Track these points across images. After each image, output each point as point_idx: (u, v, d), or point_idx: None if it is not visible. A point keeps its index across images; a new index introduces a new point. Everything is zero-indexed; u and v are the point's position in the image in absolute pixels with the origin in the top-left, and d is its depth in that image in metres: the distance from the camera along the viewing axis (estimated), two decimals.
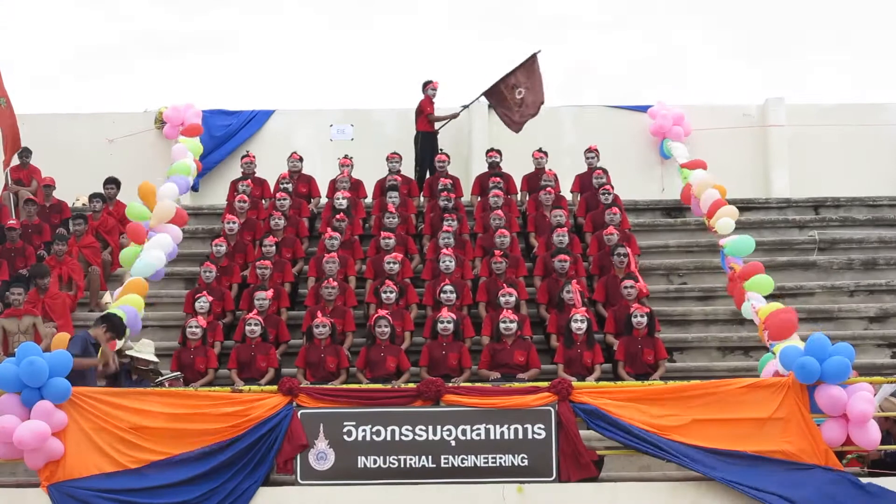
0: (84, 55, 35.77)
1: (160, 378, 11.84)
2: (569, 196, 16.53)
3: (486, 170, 16.81)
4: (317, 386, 11.20)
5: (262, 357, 12.80)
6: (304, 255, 15.30)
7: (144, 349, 12.02)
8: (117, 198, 16.52)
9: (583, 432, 10.57)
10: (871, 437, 10.29)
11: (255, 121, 19.18)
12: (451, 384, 10.98)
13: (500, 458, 10.42)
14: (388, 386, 11.26)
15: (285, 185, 16.15)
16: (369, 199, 16.71)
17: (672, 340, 14.11)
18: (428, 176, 17.01)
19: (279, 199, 15.72)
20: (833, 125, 18.77)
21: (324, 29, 34.98)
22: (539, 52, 17.38)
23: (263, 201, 16.40)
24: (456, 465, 10.42)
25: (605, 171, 16.22)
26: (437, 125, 17.50)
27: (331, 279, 13.66)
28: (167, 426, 10.44)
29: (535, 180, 16.43)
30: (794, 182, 18.66)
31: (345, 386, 11.67)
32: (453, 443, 10.45)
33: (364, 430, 10.46)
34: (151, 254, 14.00)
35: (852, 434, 10.32)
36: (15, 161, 16.94)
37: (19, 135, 16.77)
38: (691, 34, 34.64)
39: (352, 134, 19.10)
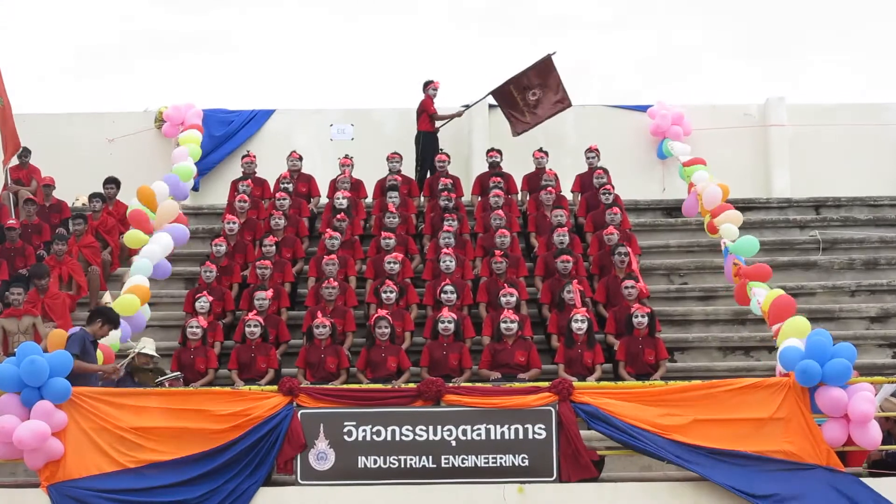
0: (84, 55, 35.80)
1: (160, 378, 11.82)
2: (569, 196, 16.51)
3: (487, 169, 16.80)
4: (317, 386, 11.19)
5: (263, 357, 12.78)
6: (304, 255, 15.28)
7: (147, 346, 12.03)
8: (117, 197, 16.50)
9: (583, 432, 10.56)
10: (872, 437, 10.27)
11: (255, 120, 19.16)
12: (451, 384, 10.97)
13: (501, 458, 10.42)
14: (389, 386, 11.25)
15: (286, 185, 16.13)
16: (370, 199, 16.69)
17: (673, 340, 14.10)
18: (428, 176, 17.00)
19: (279, 199, 15.70)
20: (834, 125, 18.75)
21: (324, 28, 34.99)
22: (554, 53, 17.36)
23: (264, 201, 16.39)
24: (456, 465, 10.41)
25: (605, 171, 16.21)
26: (438, 124, 17.49)
27: (331, 279, 13.65)
28: (167, 426, 10.44)
29: (535, 180, 16.41)
30: (794, 182, 18.64)
31: (345, 386, 11.66)
32: (454, 443, 10.44)
33: (364, 431, 10.45)
34: (154, 251, 14.04)
35: (853, 434, 10.31)
36: (14, 161, 16.92)
37: (17, 135, 16.74)
38: (692, 34, 34.65)
39: (352, 134, 19.08)
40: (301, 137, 18.81)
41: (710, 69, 34.87)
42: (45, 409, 10.14)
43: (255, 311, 13.15)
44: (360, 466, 10.41)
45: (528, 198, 16.27)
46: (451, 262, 13.86)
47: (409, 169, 17.17)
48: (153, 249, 14.07)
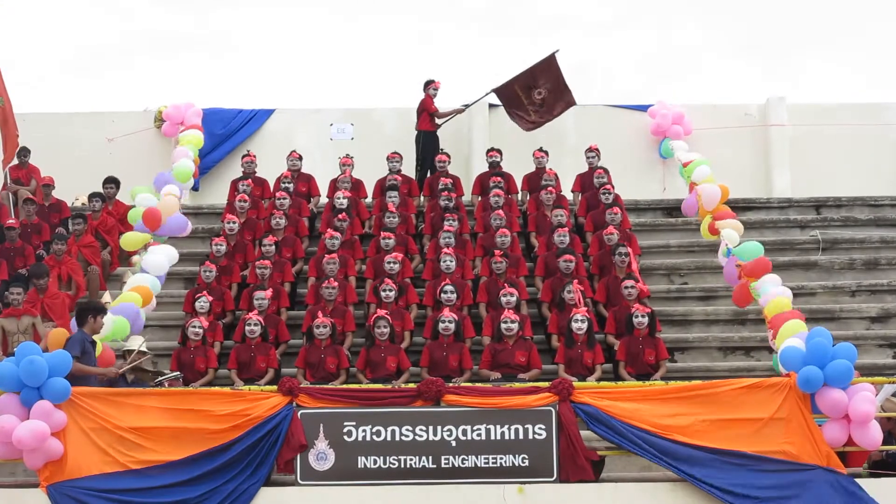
0: (84, 54, 35.78)
1: (160, 378, 11.80)
2: (569, 195, 16.49)
3: (487, 169, 16.78)
4: (317, 386, 11.18)
5: (262, 357, 12.77)
6: (304, 255, 15.26)
7: (140, 344, 12.02)
8: (117, 197, 16.48)
9: (583, 432, 10.55)
10: (872, 437, 10.26)
11: (255, 120, 19.14)
12: (451, 384, 10.95)
13: (501, 458, 10.41)
14: (389, 386, 11.24)
15: (286, 185, 16.12)
16: (370, 199, 16.67)
17: (673, 340, 14.08)
18: (428, 175, 16.98)
19: (279, 199, 15.68)
20: (835, 125, 18.73)
21: (324, 28, 34.95)
22: (557, 51, 17.34)
23: (264, 201, 16.37)
24: (456, 465, 10.40)
25: (605, 171, 16.19)
26: (440, 121, 17.47)
27: (331, 279, 13.63)
28: (167, 426, 10.43)
29: (535, 180, 16.40)
30: (795, 182, 18.61)
31: (345, 386, 11.65)
32: (454, 443, 10.43)
33: (364, 431, 10.44)
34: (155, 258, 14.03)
35: (854, 435, 10.30)
36: (14, 160, 16.90)
37: (17, 134, 16.72)
38: (692, 33, 34.63)
39: (352, 133, 19.06)
40: (301, 137, 18.79)
41: (711, 69, 34.89)
42: (45, 409, 10.13)
43: (254, 311, 13.13)
44: (360, 467, 10.40)
45: (528, 197, 16.25)
46: (451, 261, 13.84)
47: (409, 168, 17.15)
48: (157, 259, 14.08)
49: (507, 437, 10.43)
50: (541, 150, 16.83)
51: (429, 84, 17.46)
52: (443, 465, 10.39)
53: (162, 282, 13.88)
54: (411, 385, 10.88)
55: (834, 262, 15.94)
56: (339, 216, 15.11)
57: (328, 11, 34.31)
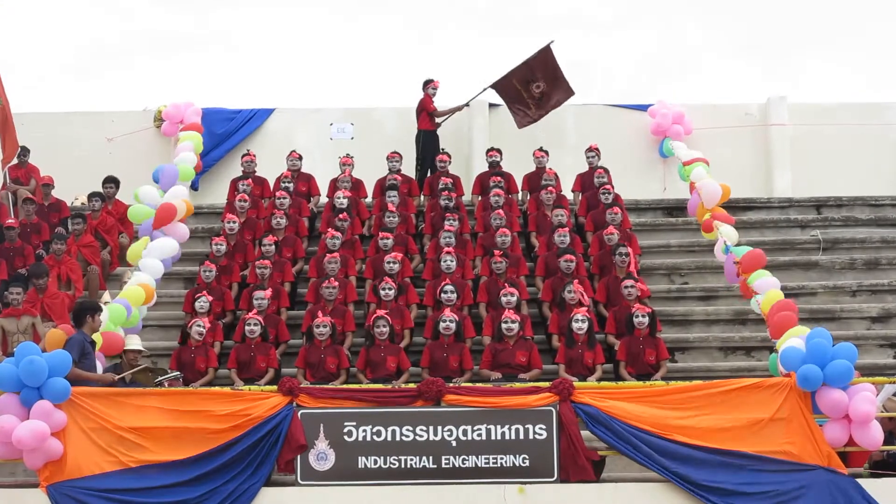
0: (84, 54, 35.78)
1: (160, 378, 11.79)
2: (570, 195, 16.48)
3: (487, 169, 16.77)
4: (317, 386, 11.17)
5: (262, 357, 12.76)
6: (304, 255, 15.25)
7: (134, 342, 12.01)
8: (116, 197, 16.47)
9: (584, 432, 10.53)
10: (873, 437, 10.25)
11: (254, 119, 19.11)
12: (451, 384, 10.94)
13: (501, 458, 10.41)
14: (389, 386, 11.23)
15: (286, 185, 16.10)
16: (370, 199, 16.66)
17: (673, 340, 14.08)
18: (428, 175, 16.97)
19: (279, 198, 15.67)
20: (835, 124, 18.72)
21: (324, 28, 34.93)
22: (553, 42, 17.31)
23: (263, 200, 16.36)
24: (457, 465, 10.39)
25: (606, 171, 16.18)
26: (440, 119, 17.45)
27: (332, 279, 13.62)
28: (167, 426, 10.43)
29: (535, 179, 16.38)
30: (796, 181, 18.59)
31: (345, 386, 11.63)
32: (454, 443, 10.43)
33: (364, 431, 10.43)
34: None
35: (855, 435, 10.29)
36: (13, 160, 16.87)
37: (16, 135, 16.71)
38: (693, 33, 34.62)
39: (352, 133, 19.04)
40: (301, 136, 18.77)
41: (711, 69, 34.87)
42: (45, 409, 10.12)
43: (254, 311, 13.12)
44: (360, 467, 10.40)
45: (528, 197, 16.24)
46: (451, 261, 13.83)
47: (409, 168, 17.14)
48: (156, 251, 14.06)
49: (507, 437, 10.42)
50: (541, 149, 16.82)
51: (428, 83, 17.45)
52: (443, 466, 10.38)
53: (167, 266, 14.00)
54: (412, 385, 10.87)
55: (834, 261, 15.94)
56: (341, 216, 15.10)
57: (328, 11, 34.31)
